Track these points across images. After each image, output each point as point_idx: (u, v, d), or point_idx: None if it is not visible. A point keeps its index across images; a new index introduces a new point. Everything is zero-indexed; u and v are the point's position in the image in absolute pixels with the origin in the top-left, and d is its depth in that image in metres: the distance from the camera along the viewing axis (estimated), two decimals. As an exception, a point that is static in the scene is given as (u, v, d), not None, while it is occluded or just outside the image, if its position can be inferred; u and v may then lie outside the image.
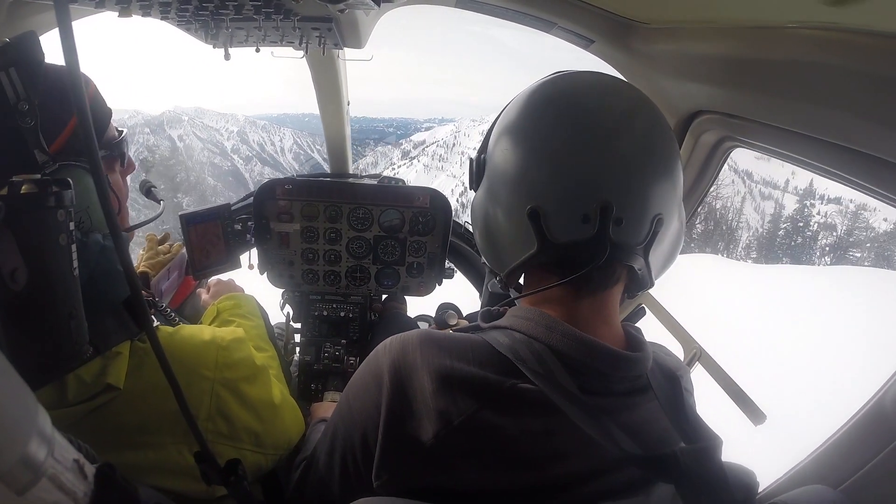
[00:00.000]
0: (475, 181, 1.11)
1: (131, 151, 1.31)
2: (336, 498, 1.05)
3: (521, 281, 1.09)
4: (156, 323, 1.18)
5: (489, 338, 0.96)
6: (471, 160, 1.12)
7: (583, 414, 0.83)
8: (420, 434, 0.88)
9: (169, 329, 1.21)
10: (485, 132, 1.12)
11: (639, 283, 1.01)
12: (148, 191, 1.53)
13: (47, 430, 0.49)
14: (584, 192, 0.89)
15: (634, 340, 1.00)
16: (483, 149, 1.10)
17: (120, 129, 1.27)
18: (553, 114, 0.94)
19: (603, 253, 0.89)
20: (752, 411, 1.41)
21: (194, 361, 1.18)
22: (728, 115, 1.37)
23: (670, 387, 0.97)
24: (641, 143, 0.91)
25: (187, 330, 1.25)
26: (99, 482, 0.57)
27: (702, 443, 0.85)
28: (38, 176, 0.74)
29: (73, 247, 0.79)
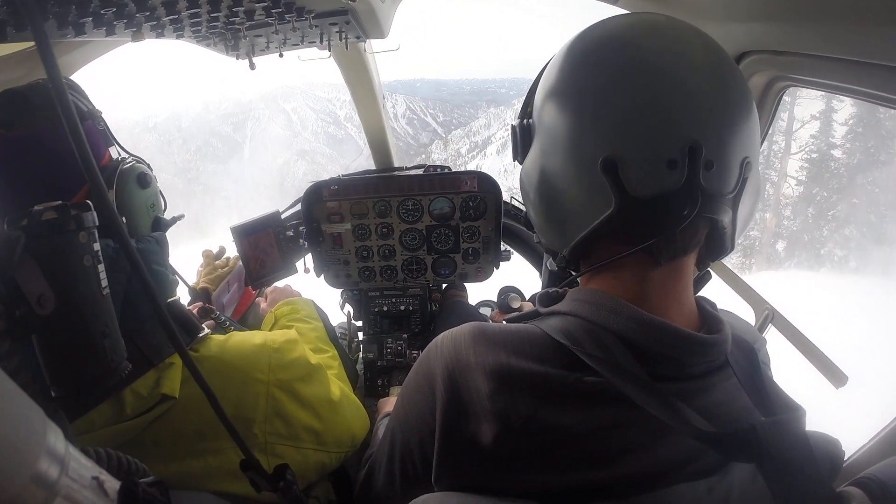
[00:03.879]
0: (521, 150, 0.98)
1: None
2: (401, 500, 1.01)
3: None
4: (207, 332, 1.20)
5: (547, 326, 0.88)
6: (513, 128, 0.99)
7: (655, 402, 0.76)
8: (479, 437, 0.83)
9: (220, 337, 1.24)
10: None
11: (718, 248, 0.89)
12: None
13: (59, 448, 0.48)
14: (668, 132, 0.77)
15: (711, 319, 0.90)
16: (527, 113, 0.98)
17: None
18: (616, 53, 0.83)
19: (694, 204, 0.77)
20: (833, 373, 1.30)
21: (247, 366, 1.20)
22: (776, 53, 1.26)
23: (748, 362, 0.87)
24: (720, 75, 0.81)
25: (238, 336, 1.28)
26: (122, 499, 0.56)
27: (783, 414, 0.77)
28: (59, 202, 0.76)
29: (101, 267, 0.81)
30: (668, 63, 0.79)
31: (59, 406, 0.76)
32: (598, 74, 0.83)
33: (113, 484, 0.57)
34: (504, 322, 0.98)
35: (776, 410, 0.80)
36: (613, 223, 0.82)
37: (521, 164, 1.00)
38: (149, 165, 1.22)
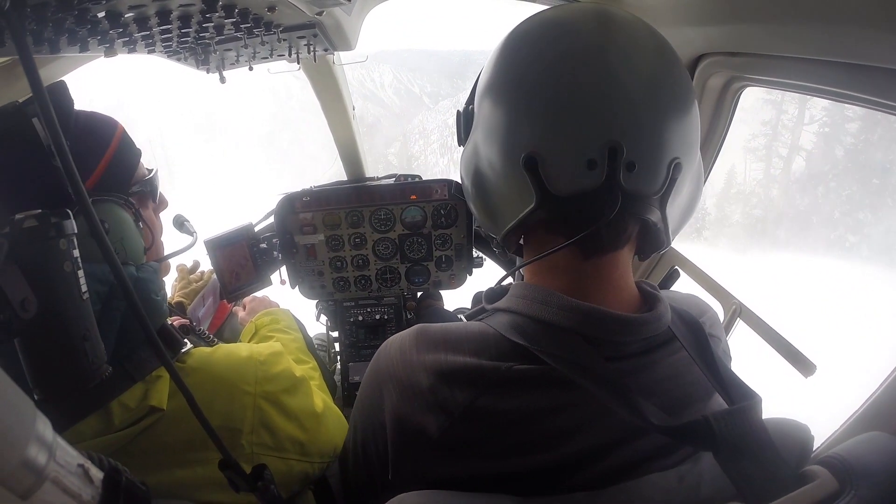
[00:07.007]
0: (463, 135, 1.01)
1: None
2: (367, 484, 1.07)
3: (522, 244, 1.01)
4: (189, 346, 1.22)
5: (489, 322, 0.93)
6: (458, 113, 1.02)
7: (598, 385, 0.78)
8: (426, 429, 0.88)
9: (207, 349, 1.25)
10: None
11: (653, 242, 0.92)
12: (181, 224, 1.58)
13: (48, 435, 0.51)
14: (588, 133, 0.78)
15: (649, 299, 0.93)
16: (471, 99, 1.00)
17: (149, 168, 1.33)
18: (548, 46, 0.82)
19: (614, 204, 0.78)
20: (801, 363, 1.33)
21: (235, 378, 1.22)
22: (731, 54, 1.32)
23: (695, 337, 0.90)
24: (651, 74, 0.80)
25: (225, 348, 1.29)
26: (106, 486, 0.59)
27: (737, 404, 0.79)
28: (39, 211, 0.79)
29: (80, 272, 0.83)
30: (593, 59, 0.79)
31: (43, 412, 0.78)
32: (530, 65, 0.83)
33: (97, 473, 0.59)
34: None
35: (724, 383, 0.83)
36: (538, 216, 0.85)
37: (463, 147, 1.03)
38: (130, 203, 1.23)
